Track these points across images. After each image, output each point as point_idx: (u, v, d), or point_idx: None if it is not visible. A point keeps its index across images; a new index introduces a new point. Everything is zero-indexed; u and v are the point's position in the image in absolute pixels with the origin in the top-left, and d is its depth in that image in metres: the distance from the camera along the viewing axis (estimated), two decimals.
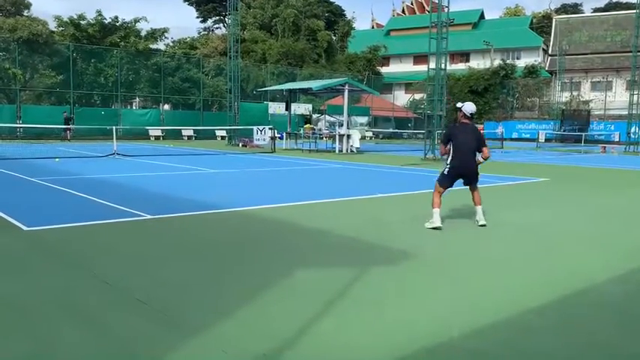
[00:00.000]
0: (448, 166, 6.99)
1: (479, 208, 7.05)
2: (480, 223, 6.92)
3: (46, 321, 3.41)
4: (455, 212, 8.04)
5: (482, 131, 6.99)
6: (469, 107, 6.94)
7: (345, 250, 5.56)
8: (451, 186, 7.16)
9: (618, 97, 46.57)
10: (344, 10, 67.43)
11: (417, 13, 76.32)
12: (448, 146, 6.95)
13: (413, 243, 5.82)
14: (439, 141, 6.82)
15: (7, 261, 4.89)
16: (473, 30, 65.16)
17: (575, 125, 41.91)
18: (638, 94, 28.85)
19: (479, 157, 6.99)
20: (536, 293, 4.14)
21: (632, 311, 3.89)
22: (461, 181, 7.17)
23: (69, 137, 30.71)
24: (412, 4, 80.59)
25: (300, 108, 34.18)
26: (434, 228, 6.63)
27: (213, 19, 67.51)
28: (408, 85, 58.69)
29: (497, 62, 50.93)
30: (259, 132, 25.08)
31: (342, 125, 24.10)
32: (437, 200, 6.84)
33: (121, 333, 3.27)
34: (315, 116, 35.21)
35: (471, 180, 7.10)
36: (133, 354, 3.01)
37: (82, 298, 3.89)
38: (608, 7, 69.28)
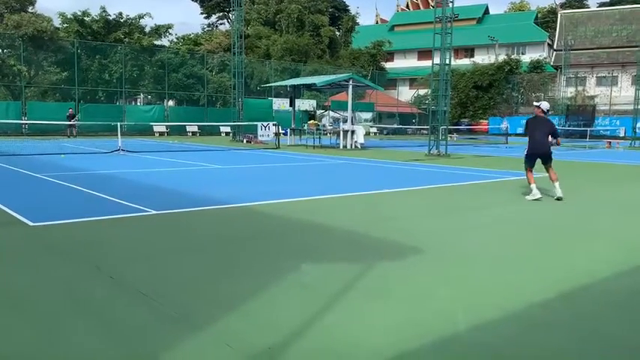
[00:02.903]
0: (527, 149, 8.99)
1: (556, 184, 8.66)
2: (557, 196, 8.51)
3: (51, 314, 3.43)
4: (458, 208, 8.03)
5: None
6: (545, 105, 9.19)
7: (351, 244, 5.56)
8: (533, 165, 8.96)
9: (624, 92, 46.25)
10: (348, 6, 67.33)
11: (422, 8, 76.07)
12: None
13: (419, 238, 5.81)
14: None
15: (14, 256, 4.92)
16: (477, 25, 64.85)
17: (580, 120, 41.71)
18: None
19: (553, 141, 8.97)
20: (541, 288, 4.13)
21: (638, 306, 3.87)
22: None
23: (74, 134, 30.76)
24: None
25: (305, 104, 34.21)
26: (536, 199, 8.45)
27: (217, 15, 67.43)
28: (413, 81, 58.54)
29: (501, 57, 50.71)
30: (263, 128, 25.09)
31: (346, 121, 24.05)
32: (531, 177, 8.80)
33: (126, 326, 3.28)
34: (319, 112, 35.19)
35: (546, 160, 8.88)
36: (137, 347, 3.02)
37: (87, 292, 3.90)
38: (613, 2, 68.69)
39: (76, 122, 30.40)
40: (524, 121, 9.92)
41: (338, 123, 26.30)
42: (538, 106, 9.16)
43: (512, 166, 14.74)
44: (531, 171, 8.89)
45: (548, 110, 9.20)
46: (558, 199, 8.44)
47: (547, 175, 8.90)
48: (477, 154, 21.18)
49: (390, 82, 59.04)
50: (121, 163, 14.64)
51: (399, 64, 63.94)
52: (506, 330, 3.34)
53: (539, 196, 8.49)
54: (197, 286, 4.06)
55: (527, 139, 9.13)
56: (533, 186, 8.64)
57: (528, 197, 8.63)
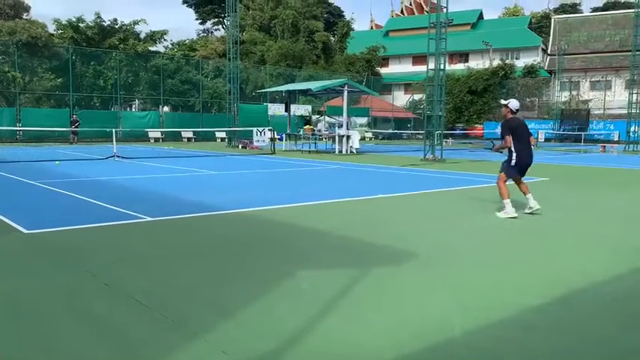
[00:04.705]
0: (515, 158, 7.56)
1: (530, 196, 7.64)
2: (536, 208, 7.53)
3: (46, 322, 3.41)
4: (454, 212, 8.04)
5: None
6: (515, 103, 7.65)
7: (347, 250, 5.56)
8: (515, 176, 7.71)
9: (617, 96, 46.52)
10: (343, 11, 67.68)
11: (416, 13, 76.40)
12: (509, 138, 7.52)
13: (414, 243, 5.82)
14: (500, 138, 7.84)
15: (8, 264, 4.89)
16: (472, 30, 65.13)
17: (574, 125, 41.93)
18: (637, 93, 28.86)
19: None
20: (536, 292, 4.14)
21: (632, 309, 3.89)
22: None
23: (75, 140, 30.80)
24: (411, 4, 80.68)
25: (300, 109, 34.20)
26: (511, 217, 7.23)
27: (212, 20, 67.55)
28: (408, 86, 58.69)
29: (496, 62, 50.89)
30: (259, 133, 25.08)
31: (341, 126, 24.08)
32: (506, 191, 7.47)
33: (121, 334, 3.26)
34: (314, 117, 35.21)
35: (526, 170, 7.78)
36: (132, 355, 3.00)
37: (82, 300, 3.88)
38: (606, 7, 69.33)
39: (74, 129, 30.39)
40: (499, 127, 8.14)
41: (333, 128, 26.33)
42: (507, 105, 7.64)
43: None
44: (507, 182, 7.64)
45: (517, 110, 7.71)
46: (536, 211, 7.55)
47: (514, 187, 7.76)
48: (472, 159, 21.23)
49: (385, 87, 59.25)
50: (116, 169, 14.60)
51: (393, 69, 64.12)
52: (502, 333, 3.34)
53: (514, 214, 7.30)
54: (192, 293, 4.04)
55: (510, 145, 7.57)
56: (508, 201, 7.40)
57: (500, 214, 7.41)
